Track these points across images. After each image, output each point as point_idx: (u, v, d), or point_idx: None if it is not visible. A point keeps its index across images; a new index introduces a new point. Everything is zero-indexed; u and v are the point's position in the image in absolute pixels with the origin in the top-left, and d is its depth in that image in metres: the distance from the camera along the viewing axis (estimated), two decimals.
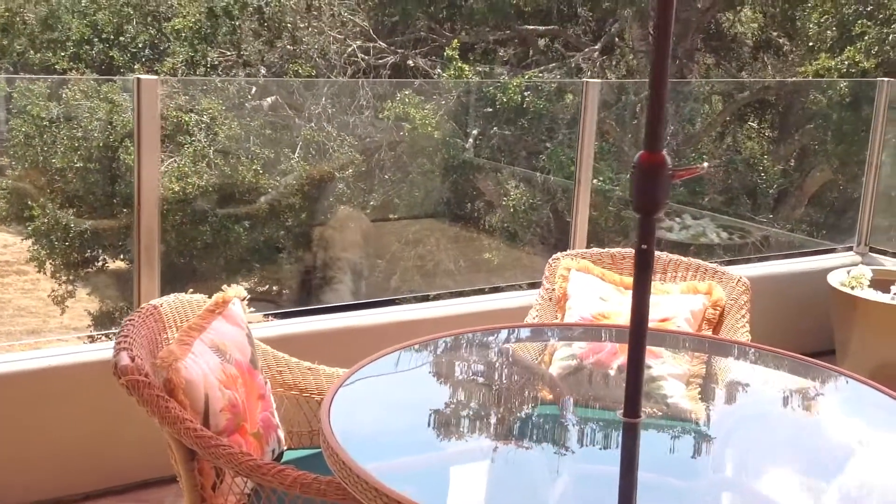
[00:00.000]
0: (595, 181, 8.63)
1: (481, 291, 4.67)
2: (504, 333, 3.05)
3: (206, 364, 2.32)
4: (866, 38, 10.02)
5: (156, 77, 3.57)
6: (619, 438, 2.36)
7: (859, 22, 10.10)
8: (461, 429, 2.44)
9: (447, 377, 2.74)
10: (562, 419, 2.55)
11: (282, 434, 2.58)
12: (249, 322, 2.65)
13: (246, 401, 2.39)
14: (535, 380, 2.87)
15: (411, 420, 2.42)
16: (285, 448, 2.60)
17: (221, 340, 2.43)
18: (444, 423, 2.45)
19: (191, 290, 2.68)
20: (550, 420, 2.55)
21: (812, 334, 5.13)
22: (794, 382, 2.85)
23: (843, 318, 4.83)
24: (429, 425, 2.44)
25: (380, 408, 2.48)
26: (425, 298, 4.75)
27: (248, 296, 2.65)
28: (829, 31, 10.51)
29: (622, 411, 2.25)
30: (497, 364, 2.92)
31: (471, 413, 2.52)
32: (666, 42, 2.09)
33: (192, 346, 2.32)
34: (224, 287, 2.62)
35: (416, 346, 2.72)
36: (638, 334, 2.25)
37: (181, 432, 2.15)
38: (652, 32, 11.59)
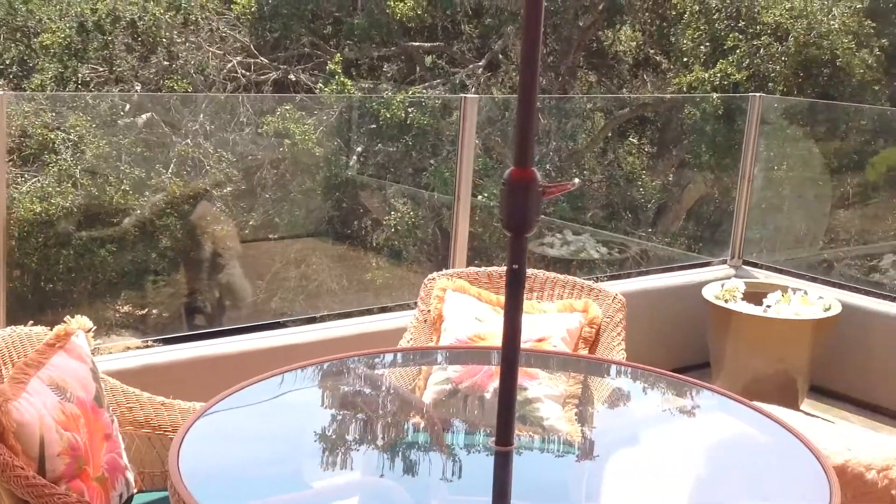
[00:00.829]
0: (479, 197, 8.62)
1: (369, 312, 4.52)
2: (377, 358, 2.92)
3: (43, 404, 2.12)
4: (738, 51, 10.32)
5: (1, 92, 3.34)
6: (492, 467, 2.26)
7: (731, 36, 10.40)
8: (327, 463, 2.31)
9: (315, 407, 2.60)
10: (434, 448, 2.44)
11: (131, 476, 2.38)
12: (110, 352, 2.45)
13: (89, 442, 2.19)
14: (407, 406, 2.76)
15: (272, 455, 2.28)
16: (135, 491, 2.41)
17: (61, 377, 2.23)
18: (309, 458, 2.31)
19: (32, 322, 2.46)
20: (422, 449, 2.44)
21: (688, 348, 5.17)
22: (669, 402, 2.82)
23: (718, 331, 4.87)
24: (292, 460, 2.30)
25: (238, 443, 2.32)
26: (311, 321, 4.59)
27: (94, 327, 2.45)
28: (702, 46, 10.79)
29: (494, 439, 2.16)
30: (368, 391, 2.80)
31: (338, 445, 2.39)
32: (534, 56, 2.02)
33: (27, 384, 2.12)
34: (67, 318, 2.41)
35: (284, 374, 2.57)
36: (509, 359, 2.17)
37: (11, 480, 1.95)
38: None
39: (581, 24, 12.25)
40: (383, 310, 4.53)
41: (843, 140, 7.28)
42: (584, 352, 3.17)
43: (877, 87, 10.56)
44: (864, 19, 10.51)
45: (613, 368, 3.00)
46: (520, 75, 2.03)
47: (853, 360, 4.94)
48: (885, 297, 5.09)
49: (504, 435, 2.18)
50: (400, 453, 2.40)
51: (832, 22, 10.08)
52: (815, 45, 10.11)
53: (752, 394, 4.72)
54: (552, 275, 3.41)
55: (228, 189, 8.40)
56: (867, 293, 5.20)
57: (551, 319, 3.21)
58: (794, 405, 4.79)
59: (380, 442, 2.43)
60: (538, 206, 2.08)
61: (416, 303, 3.45)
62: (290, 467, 2.28)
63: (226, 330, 4.06)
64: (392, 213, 9.18)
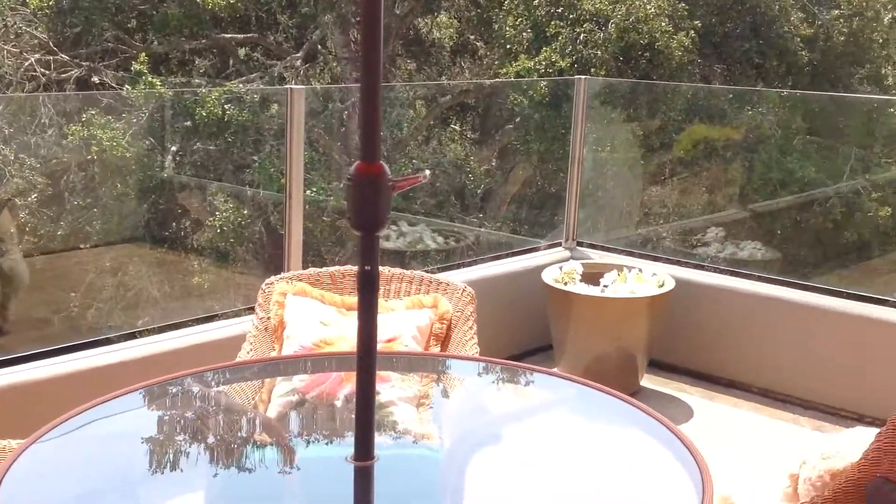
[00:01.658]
0: (308, 192, 8.39)
1: (201, 320, 4.22)
2: (214, 375, 2.69)
3: None
4: (560, 38, 10.51)
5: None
6: (351, 482, 2.10)
7: (552, 23, 10.57)
8: (165, 494, 2.08)
9: (148, 434, 2.35)
10: (285, 466, 2.25)
11: None
12: None
13: None
14: (251, 423, 2.55)
15: (104, 488, 2.03)
16: None
17: None
18: (145, 489, 2.08)
19: None
20: (271, 468, 2.24)
21: (531, 332, 5.17)
22: (526, 395, 2.74)
23: (559, 314, 4.88)
24: (125, 494, 2.06)
25: (64, 480, 2.06)
26: (131, 336, 4.24)
27: None
28: (524, 34, 10.92)
29: (353, 454, 2.00)
30: (206, 411, 2.57)
31: (176, 473, 2.16)
32: (376, 46, 1.87)
33: None
34: None
35: (110, 401, 2.31)
36: (366, 367, 2.01)
37: None
38: (353, 39, 11.51)
39: (398, 12, 12.16)
40: (212, 318, 4.25)
41: (663, 119, 7.50)
42: (436, 349, 3.05)
43: (691, 68, 11.01)
44: (678, 2, 10.92)
45: (467, 364, 2.89)
46: (362, 65, 1.87)
47: (687, 333, 5.07)
48: (713, 270, 5.24)
49: (364, 449, 2.02)
50: (247, 475, 2.20)
51: (649, 6, 10.40)
52: (635, 29, 10.42)
53: (594, 373, 4.77)
54: (398, 271, 3.27)
55: (34, 196, 7.80)
56: (696, 267, 5.35)
57: (400, 318, 3.07)
58: (634, 382, 4.87)
59: (222, 466, 2.22)
60: (388, 201, 1.93)
61: (250, 308, 3.23)
62: (124, 502, 2.04)
63: (30, 355, 3.61)
64: (216, 213, 8.80)
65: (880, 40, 12.70)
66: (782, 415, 4.66)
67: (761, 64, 11.94)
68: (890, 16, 12.65)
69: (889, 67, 13.12)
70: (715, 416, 4.64)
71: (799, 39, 11.95)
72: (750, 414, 4.66)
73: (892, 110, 10.13)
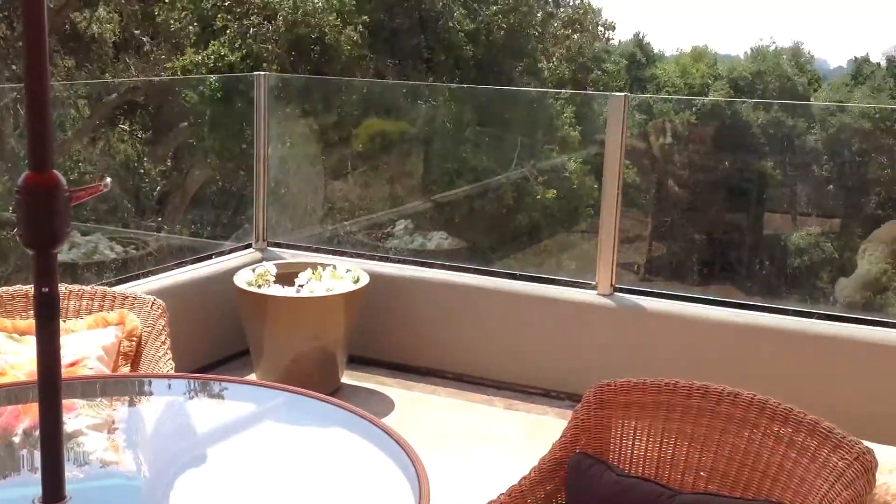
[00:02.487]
0: None
1: None
2: None
3: None
4: (228, 31, 10.23)
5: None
6: None
7: (219, 16, 10.27)
8: None
9: None
10: None
11: None
12: None
13: None
14: None
15: None
16: None
17: None
18: None
19: None
20: None
21: (227, 338, 4.99)
22: (225, 408, 2.60)
23: (254, 317, 4.74)
24: None
25: None
26: None
27: None
28: (191, 27, 10.52)
29: (41, 496, 1.79)
30: None
31: None
32: (41, 44, 1.66)
33: None
34: None
35: None
36: (49, 399, 1.80)
37: None
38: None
39: (52, 6, 11.26)
40: None
41: (339, 114, 7.53)
42: (125, 369, 2.82)
43: (364, 63, 11.16)
44: None
45: (160, 383, 2.69)
46: (26, 67, 1.65)
47: (384, 327, 5.11)
48: (404, 263, 5.33)
49: (53, 488, 1.81)
50: None
51: (317, 1, 10.39)
52: (304, 23, 10.37)
53: (294, 374, 4.68)
54: (76, 287, 2.98)
55: None
56: (388, 260, 5.41)
57: (82, 338, 2.80)
58: (334, 379, 4.83)
59: None
60: (66, 214, 1.73)
61: None
62: None
63: None
64: None
65: (535, 34, 13.65)
66: (477, 397, 4.83)
67: (431, 58, 12.40)
68: (542, 11, 13.64)
69: (545, 61, 14.14)
70: (414, 405, 4.72)
71: (463, 34, 12.53)
72: (447, 400, 4.79)
73: (550, 101, 10.92)
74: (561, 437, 2.48)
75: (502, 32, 13.09)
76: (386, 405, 4.69)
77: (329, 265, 4.89)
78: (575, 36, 16.90)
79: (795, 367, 4.34)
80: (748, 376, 4.23)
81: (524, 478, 2.42)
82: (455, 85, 11.51)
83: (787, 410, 2.27)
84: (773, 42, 31.77)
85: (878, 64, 24.47)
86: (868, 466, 2.06)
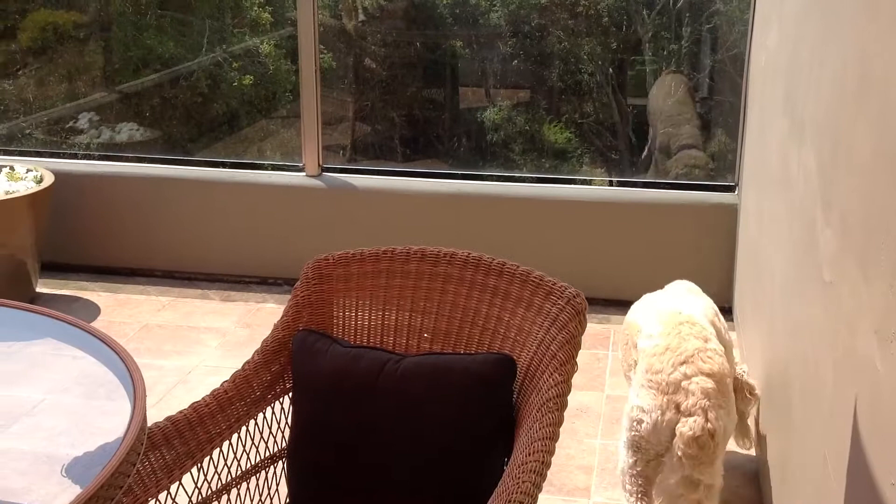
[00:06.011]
0: None
1: None
2: None
3: None
4: None
5: None
6: None
7: None
8: None
9: None
10: None
11: None
12: None
13: None
14: None
15: None
16: None
17: None
18: None
19: None
20: None
21: None
22: None
23: None
24: None
25: None
26: None
27: None
28: None
29: None
30: None
31: None
32: None
33: None
34: None
35: None
36: None
37: None
38: None
39: None
40: None
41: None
42: None
43: None
44: None
45: None
46: None
47: (79, 228, 4.75)
48: (92, 158, 4.94)
49: None
50: None
51: None
52: None
53: None
54: None
55: None
56: (75, 157, 4.99)
57: None
58: (28, 289, 4.45)
59: None
60: None
61: None
62: None
63: None
64: None
65: None
66: (191, 292, 4.64)
67: None
68: None
69: None
70: (122, 307, 4.45)
71: None
72: (158, 298, 4.56)
73: None
74: (282, 316, 2.40)
75: None
76: (91, 311, 4.39)
77: (5, 166, 4.42)
78: None
79: (501, 229, 4.52)
80: (460, 241, 4.35)
81: (247, 362, 2.33)
82: None
83: (500, 264, 2.33)
84: None
85: None
86: (579, 309, 2.16)
